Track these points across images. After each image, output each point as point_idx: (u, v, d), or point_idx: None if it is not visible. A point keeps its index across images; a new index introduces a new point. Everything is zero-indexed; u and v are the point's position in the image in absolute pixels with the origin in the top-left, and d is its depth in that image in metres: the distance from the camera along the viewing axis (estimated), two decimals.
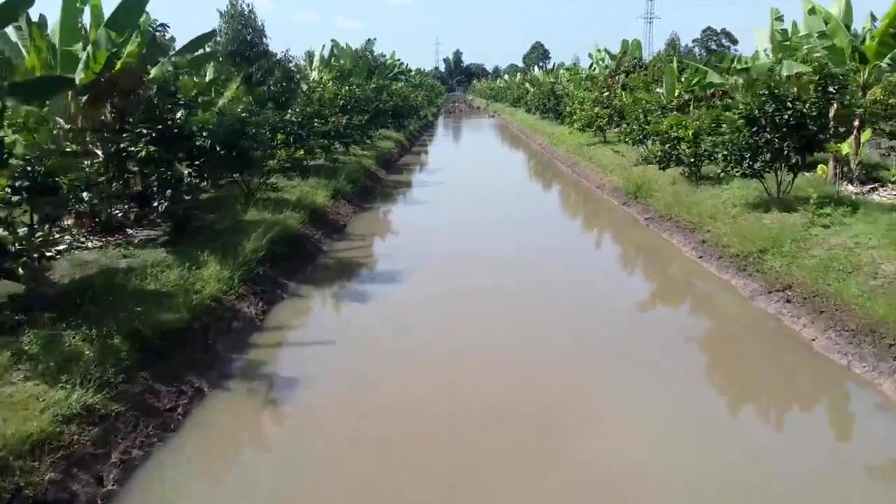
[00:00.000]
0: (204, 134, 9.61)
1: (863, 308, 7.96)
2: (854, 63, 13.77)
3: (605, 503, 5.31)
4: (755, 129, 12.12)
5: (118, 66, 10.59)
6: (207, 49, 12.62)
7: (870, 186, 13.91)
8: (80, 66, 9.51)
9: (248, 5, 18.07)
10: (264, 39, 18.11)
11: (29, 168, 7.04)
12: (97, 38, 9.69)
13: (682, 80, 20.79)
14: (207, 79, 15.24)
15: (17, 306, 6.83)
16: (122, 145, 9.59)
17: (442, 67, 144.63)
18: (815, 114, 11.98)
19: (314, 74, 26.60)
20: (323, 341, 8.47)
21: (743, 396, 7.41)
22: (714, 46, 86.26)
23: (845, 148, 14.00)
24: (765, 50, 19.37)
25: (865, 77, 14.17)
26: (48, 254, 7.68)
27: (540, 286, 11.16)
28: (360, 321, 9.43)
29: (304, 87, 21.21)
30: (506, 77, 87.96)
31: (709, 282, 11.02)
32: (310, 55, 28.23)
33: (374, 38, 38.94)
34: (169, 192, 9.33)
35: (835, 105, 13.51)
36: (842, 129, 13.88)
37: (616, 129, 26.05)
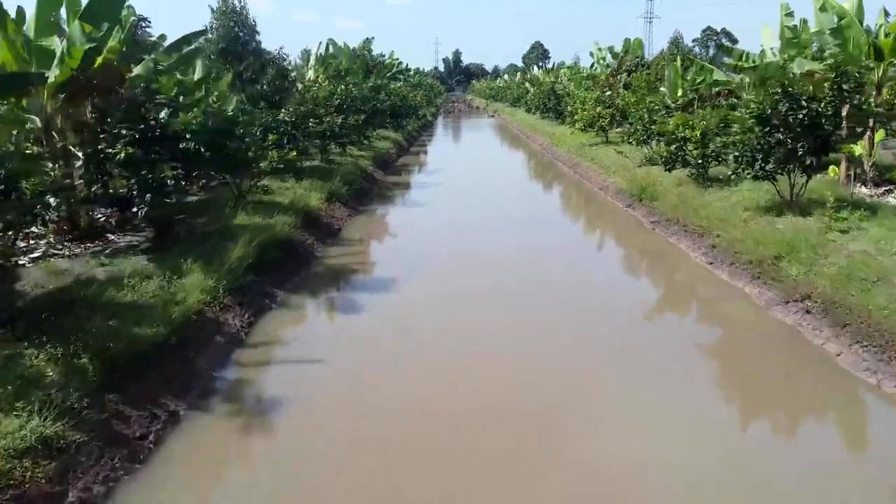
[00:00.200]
0: (187, 136, 9.02)
1: (891, 321, 7.42)
2: (870, 60, 13.22)
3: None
4: (767, 129, 11.58)
5: (99, 62, 10.06)
6: (196, 45, 12.00)
7: (884, 189, 13.36)
8: (55, 61, 8.95)
9: (241, 1, 17.53)
10: (256, 37, 17.55)
11: None
12: (72, 32, 9.13)
13: (688, 78, 20.22)
14: (197, 77, 14.70)
15: None
16: (100, 146, 9.02)
17: (441, 67, 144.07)
18: (830, 113, 11.46)
19: (310, 73, 26.05)
20: (313, 355, 7.92)
21: (762, 414, 6.89)
22: (714, 46, 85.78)
23: (858, 149, 13.47)
24: (772, 48, 18.88)
25: (880, 75, 13.63)
26: (16, 262, 7.14)
27: (542, 289, 10.72)
28: (354, 331, 8.90)
29: (300, 86, 20.68)
30: (505, 77, 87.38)
31: (720, 289, 10.47)
32: (306, 54, 27.65)
33: (372, 37, 38.42)
34: (149, 196, 8.77)
35: (846, 104, 12.98)
36: (859, 129, 13.32)
37: (618, 130, 25.54)
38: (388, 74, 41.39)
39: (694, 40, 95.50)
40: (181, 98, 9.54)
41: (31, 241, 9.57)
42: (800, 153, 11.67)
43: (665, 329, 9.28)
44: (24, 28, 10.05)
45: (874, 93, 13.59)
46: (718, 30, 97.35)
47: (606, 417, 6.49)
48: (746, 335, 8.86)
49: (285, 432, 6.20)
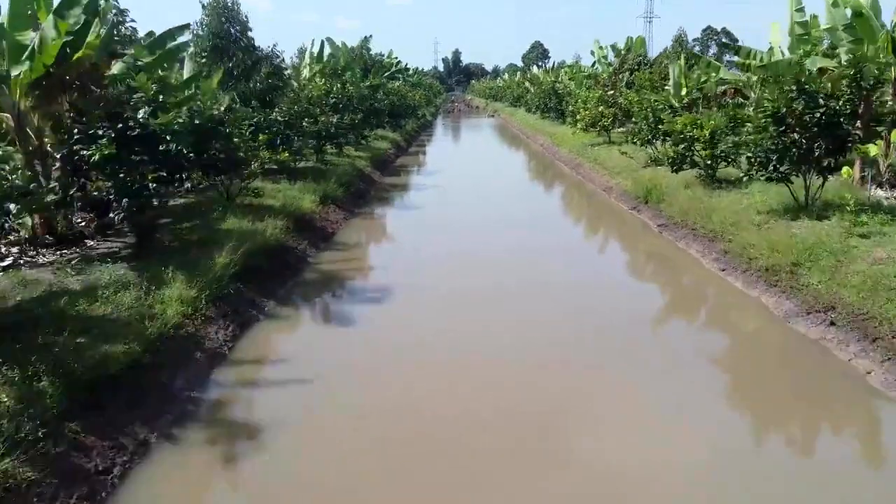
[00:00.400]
0: (168, 137, 8.44)
1: None
2: (888, 56, 12.65)
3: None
4: (782, 128, 11.02)
5: (76, 58, 9.50)
6: (181, 42, 11.41)
7: None
8: (25, 56, 8.38)
9: None
10: (248, 33, 16.96)
11: None
12: (46, 26, 8.56)
13: (694, 77, 19.65)
14: (186, 75, 14.12)
15: None
16: (74, 147, 8.44)
17: (441, 67, 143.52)
18: (848, 111, 10.90)
19: (305, 72, 25.47)
20: (302, 371, 7.32)
21: (785, 436, 6.37)
22: (715, 46, 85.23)
23: (873, 149, 12.91)
24: (781, 45, 18.33)
25: None
26: None
27: (546, 291, 10.30)
28: (347, 342, 8.33)
29: (295, 84, 20.11)
30: (505, 76, 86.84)
31: (734, 298, 9.90)
32: (301, 52, 27.09)
33: (370, 35, 37.84)
34: (126, 200, 8.19)
35: (862, 103, 12.44)
36: (880, 129, 12.76)
37: (620, 129, 24.99)
38: (387, 74, 40.80)
39: (694, 40, 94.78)
40: (160, 96, 8.91)
41: (3, 249, 9.00)
42: (816, 154, 11.14)
43: (677, 339, 8.72)
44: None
45: (891, 90, 13.04)
46: (719, 29, 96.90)
47: (615, 446, 6.00)
48: (765, 349, 8.30)
49: (270, 463, 5.61)
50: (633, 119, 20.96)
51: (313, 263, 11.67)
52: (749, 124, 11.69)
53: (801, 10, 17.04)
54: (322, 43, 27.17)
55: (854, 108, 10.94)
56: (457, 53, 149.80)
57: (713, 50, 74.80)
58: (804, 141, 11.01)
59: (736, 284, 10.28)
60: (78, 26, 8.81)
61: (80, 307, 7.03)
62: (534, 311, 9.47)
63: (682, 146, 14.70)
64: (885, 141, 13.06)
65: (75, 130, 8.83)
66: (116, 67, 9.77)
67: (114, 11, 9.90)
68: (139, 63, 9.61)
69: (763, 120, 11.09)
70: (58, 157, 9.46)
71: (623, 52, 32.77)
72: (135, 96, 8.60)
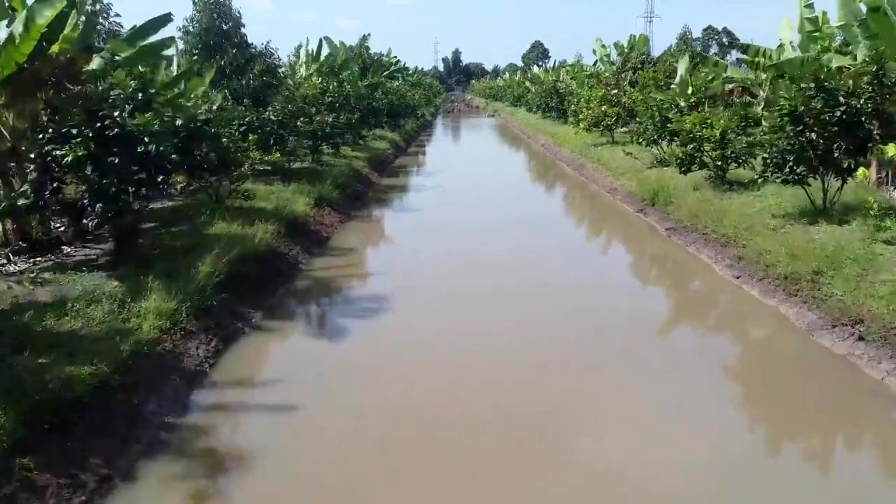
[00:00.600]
0: (146, 139, 7.85)
1: None
2: None
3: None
4: (800, 128, 10.45)
5: (52, 53, 8.94)
6: (165, 37, 10.83)
7: None
8: None
9: None
10: (241, 30, 16.38)
11: None
12: (20, 19, 7.99)
13: (702, 75, 19.07)
14: (175, 73, 13.56)
15: None
16: (46, 148, 7.87)
17: (441, 67, 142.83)
18: (869, 110, 10.34)
19: (302, 70, 24.91)
20: (290, 391, 6.77)
21: (814, 463, 5.81)
22: (715, 46, 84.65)
23: (891, 150, 12.34)
24: (791, 42, 17.77)
25: None
26: None
27: (551, 299, 9.82)
28: (340, 357, 7.78)
29: (291, 83, 19.54)
30: (506, 76, 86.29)
31: (751, 307, 9.32)
32: (297, 50, 26.51)
33: (369, 34, 37.24)
34: (100, 205, 7.62)
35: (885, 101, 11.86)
36: None
37: (623, 129, 24.43)
38: (386, 73, 40.22)
39: (695, 39, 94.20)
40: (140, 94, 8.33)
41: None
42: (835, 154, 10.58)
43: (692, 349, 8.14)
44: None
45: None
46: (719, 29, 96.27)
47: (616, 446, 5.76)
48: (787, 362, 7.71)
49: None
50: (638, 119, 20.42)
51: (306, 270, 11.10)
52: (765, 123, 11.11)
53: (810, 6, 16.50)
54: (320, 41, 26.60)
55: (876, 107, 10.37)
56: (457, 53, 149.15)
57: (714, 49, 74.24)
58: (822, 141, 10.47)
59: (752, 293, 9.70)
60: (51, 18, 8.21)
61: (47, 322, 6.47)
62: (538, 315, 8.98)
63: (692, 146, 14.12)
64: None
65: (52, 129, 8.27)
66: (95, 63, 9.19)
67: (92, 2, 9.30)
68: (117, 58, 9.03)
69: (780, 119, 10.52)
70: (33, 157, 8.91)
71: (626, 51, 32.21)
72: (112, 93, 8.02)
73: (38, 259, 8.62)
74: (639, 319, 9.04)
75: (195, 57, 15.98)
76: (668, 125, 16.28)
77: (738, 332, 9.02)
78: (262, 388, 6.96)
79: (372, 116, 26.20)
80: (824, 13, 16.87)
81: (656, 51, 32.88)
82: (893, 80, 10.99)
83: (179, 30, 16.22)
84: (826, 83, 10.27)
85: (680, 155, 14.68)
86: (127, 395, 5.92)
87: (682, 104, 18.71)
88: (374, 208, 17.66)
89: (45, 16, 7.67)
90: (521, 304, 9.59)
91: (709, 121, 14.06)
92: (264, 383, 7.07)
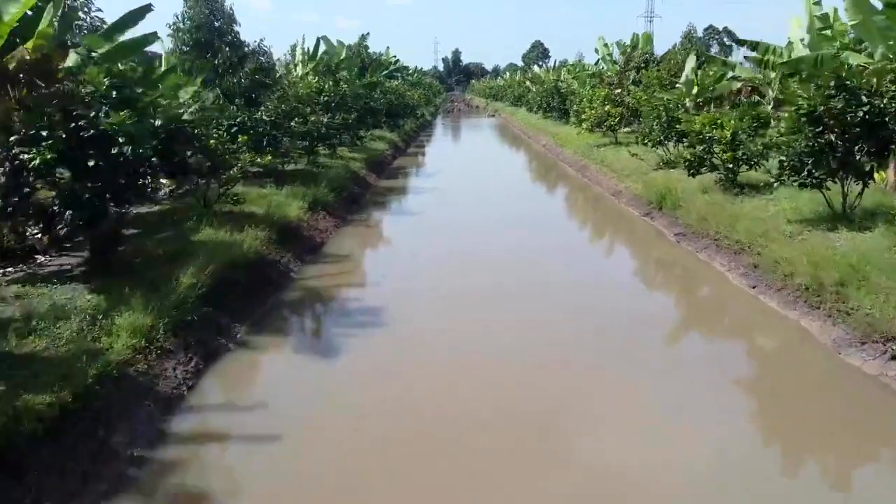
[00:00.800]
0: (121, 139, 7.28)
1: None
2: None
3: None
4: (819, 129, 9.90)
5: (26, 48, 8.38)
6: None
7: None
8: None
9: None
10: (234, 27, 15.82)
11: None
12: None
13: (711, 74, 18.52)
14: (162, 71, 13.00)
15: None
16: (14, 150, 7.31)
17: (441, 67, 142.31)
18: (893, 110, 9.77)
19: (298, 69, 24.33)
20: (277, 417, 6.21)
21: (842, 475, 5.24)
22: (716, 45, 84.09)
23: None
24: (801, 40, 17.20)
25: None
26: None
27: (557, 309, 9.28)
28: (331, 376, 7.22)
29: (286, 82, 18.97)
30: (506, 76, 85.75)
31: (770, 321, 8.76)
32: (293, 49, 25.93)
33: (368, 33, 36.63)
34: (69, 212, 7.05)
35: None
36: None
37: (625, 130, 23.88)
38: (385, 72, 39.64)
39: (697, 39, 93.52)
40: (115, 92, 7.76)
41: None
42: (857, 157, 10.04)
43: (711, 367, 7.52)
44: None
45: None
46: (720, 28, 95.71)
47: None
48: (814, 383, 7.16)
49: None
50: (642, 119, 19.88)
51: (297, 279, 10.53)
52: (781, 125, 10.55)
53: (818, 3, 15.94)
54: (317, 40, 26.02)
55: None
56: (457, 53, 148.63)
57: (715, 49, 73.70)
58: (843, 143, 9.92)
59: (770, 304, 9.14)
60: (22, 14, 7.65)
61: (7, 342, 5.90)
62: (552, 332, 8.38)
63: (702, 148, 13.55)
64: None
65: (23, 130, 7.69)
66: (71, 59, 8.62)
67: None
68: (93, 54, 8.45)
69: (798, 120, 9.97)
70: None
71: (629, 50, 31.64)
72: (84, 91, 7.45)
73: (8, 269, 8.04)
74: (652, 330, 8.57)
75: (185, 54, 15.41)
76: (677, 126, 15.67)
77: (758, 347, 8.48)
78: (245, 414, 6.36)
79: (370, 116, 25.63)
80: (835, 10, 16.33)
81: (657, 51, 32.32)
82: None
83: (169, 27, 15.66)
84: (848, 82, 9.72)
85: (689, 157, 14.12)
86: (92, 426, 5.35)
87: (689, 103, 18.22)
88: (371, 212, 17.09)
89: (11, 12, 7.11)
90: (526, 308, 9.08)
91: (719, 121, 13.50)
92: (247, 408, 6.48)
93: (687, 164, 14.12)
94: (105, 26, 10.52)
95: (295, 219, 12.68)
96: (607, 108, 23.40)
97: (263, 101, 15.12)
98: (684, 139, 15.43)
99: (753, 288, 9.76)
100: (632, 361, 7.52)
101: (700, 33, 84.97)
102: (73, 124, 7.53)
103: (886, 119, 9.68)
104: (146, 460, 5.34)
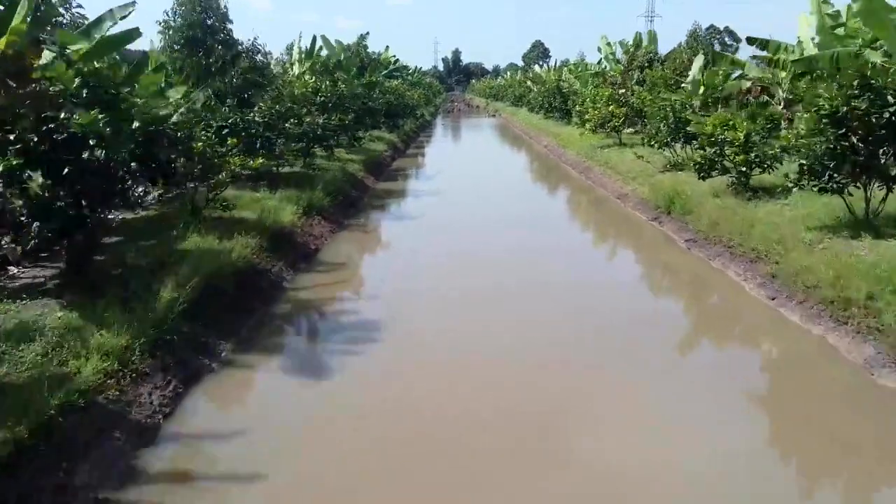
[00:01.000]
0: (91, 142, 6.72)
1: None
2: None
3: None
4: (842, 131, 9.34)
5: (1, 45, 7.82)
6: (129, 29, 9.66)
7: None
8: None
9: None
10: (227, 25, 15.26)
11: None
12: None
13: (721, 73, 17.96)
14: (149, 70, 12.43)
15: None
16: None
17: (441, 67, 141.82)
18: None
19: (295, 68, 23.78)
20: (260, 450, 5.65)
21: None
22: (717, 45, 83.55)
23: None
24: (812, 38, 16.65)
25: None
26: None
27: (563, 321, 8.79)
28: (323, 398, 6.66)
29: (280, 81, 18.41)
30: (507, 75, 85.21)
31: (792, 336, 8.21)
32: (289, 48, 25.36)
33: (368, 33, 36.06)
34: (36, 223, 6.50)
35: None
36: None
37: (629, 130, 23.32)
38: (385, 72, 39.07)
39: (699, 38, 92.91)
40: (85, 91, 7.20)
41: None
42: (882, 160, 9.49)
43: (731, 387, 6.97)
44: None
45: None
46: (721, 28, 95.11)
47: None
48: (845, 407, 6.60)
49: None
50: (646, 119, 19.32)
51: (290, 289, 9.97)
52: (801, 126, 9.99)
53: (826, 1, 15.41)
54: (313, 38, 25.44)
55: None
56: (457, 53, 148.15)
57: (716, 48, 73.26)
58: (865, 145, 9.37)
59: (792, 318, 8.58)
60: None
61: None
62: (549, 343, 7.82)
63: (713, 150, 12.99)
64: None
65: None
66: (46, 57, 8.07)
67: None
68: (66, 51, 7.88)
69: (821, 121, 9.41)
70: None
71: (632, 49, 31.07)
72: (51, 89, 6.90)
73: None
74: (670, 345, 8.06)
75: (176, 53, 14.86)
76: (687, 127, 15.11)
77: (782, 364, 7.91)
78: (227, 444, 5.79)
79: (368, 117, 25.07)
80: (848, 7, 15.79)
81: (659, 51, 31.68)
82: None
83: (160, 24, 15.11)
84: (873, 81, 9.16)
85: (699, 159, 13.56)
86: (52, 464, 4.79)
87: (697, 103, 17.66)
88: (369, 215, 16.54)
89: None
90: (534, 333, 8.48)
91: (731, 122, 12.94)
92: (229, 437, 5.90)
93: (697, 166, 13.56)
94: (86, 22, 9.96)
95: (289, 224, 12.13)
96: (611, 108, 22.83)
97: (257, 101, 14.56)
98: (693, 141, 14.88)
99: (773, 300, 9.20)
100: (652, 376, 7.00)
101: (700, 33, 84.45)
102: (45, 127, 6.99)
103: None
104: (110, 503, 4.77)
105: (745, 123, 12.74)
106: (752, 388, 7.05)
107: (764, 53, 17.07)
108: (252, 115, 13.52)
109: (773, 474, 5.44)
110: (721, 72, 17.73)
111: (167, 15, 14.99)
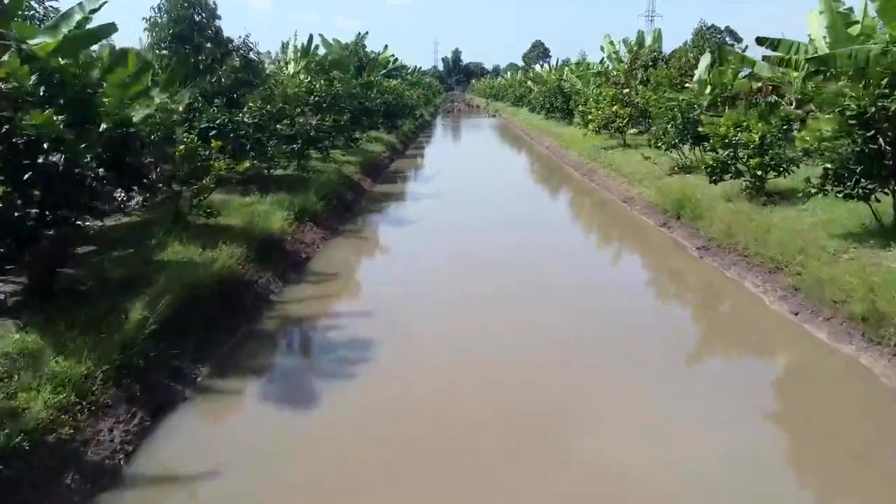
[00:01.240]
0: (45, 145, 6.07)
1: None
2: None
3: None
4: (871, 133, 8.70)
5: None
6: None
7: None
8: None
9: None
10: (216, 22, 14.59)
11: None
12: None
13: (730, 72, 17.31)
14: (132, 69, 11.75)
15: None
16: None
17: (441, 67, 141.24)
18: None
19: (290, 67, 23.12)
20: (236, 491, 5.00)
21: None
22: (718, 44, 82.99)
23: None
24: (824, 37, 16.01)
25: None
26: None
27: (570, 336, 8.25)
28: (309, 439, 6.00)
29: (273, 81, 17.74)
30: (507, 75, 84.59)
31: (820, 356, 7.56)
32: (284, 47, 24.71)
33: (366, 33, 35.39)
34: None
35: None
36: None
37: (632, 131, 22.67)
38: (383, 72, 38.41)
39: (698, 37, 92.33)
40: (43, 89, 6.54)
41: None
42: None
43: (756, 414, 6.32)
44: None
45: None
46: (722, 28, 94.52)
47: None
48: (884, 436, 5.95)
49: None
50: (652, 120, 18.66)
51: (276, 302, 9.31)
52: (824, 128, 9.33)
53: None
54: (310, 37, 24.78)
55: None
56: (457, 53, 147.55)
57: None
58: (894, 149, 8.73)
59: (819, 335, 7.93)
60: None
61: None
62: (557, 365, 7.19)
63: (726, 153, 12.33)
64: None
65: None
66: (7, 55, 7.40)
67: None
68: (23, 46, 7.21)
69: (847, 123, 8.76)
70: None
71: (635, 48, 30.42)
72: (3, 87, 6.24)
73: None
74: (689, 366, 7.39)
75: (163, 51, 14.19)
76: (697, 128, 14.45)
77: (811, 387, 7.23)
78: (197, 485, 5.14)
79: (365, 117, 24.42)
80: (865, 5, 15.15)
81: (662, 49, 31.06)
82: None
83: (146, 21, 14.44)
84: None
85: (710, 162, 12.89)
86: None
87: (704, 103, 17.01)
88: (365, 220, 15.90)
89: None
90: (539, 346, 7.83)
91: (745, 123, 12.29)
92: (200, 477, 5.24)
93: (709, 169, 12.89)
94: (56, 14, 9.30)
95: (278, 231, 11.47)
96: (615, 108, 22.19)
97: (247, 101, 13.90)
98: (703, 142, 14.24)
99: (796, 315, 8.55)
100: (661, 392, 6.35)
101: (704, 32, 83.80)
102: (2, 128, 6.34)
103: None
104: None
105: (759, 125, 12.10)
106: (789, 417, 6.44)
107: (775, 54, 16.38)
108: (241, 115, 12.86)
109: None
110: (730, 70, 17.05)
111: (154, 11, 14.32)
